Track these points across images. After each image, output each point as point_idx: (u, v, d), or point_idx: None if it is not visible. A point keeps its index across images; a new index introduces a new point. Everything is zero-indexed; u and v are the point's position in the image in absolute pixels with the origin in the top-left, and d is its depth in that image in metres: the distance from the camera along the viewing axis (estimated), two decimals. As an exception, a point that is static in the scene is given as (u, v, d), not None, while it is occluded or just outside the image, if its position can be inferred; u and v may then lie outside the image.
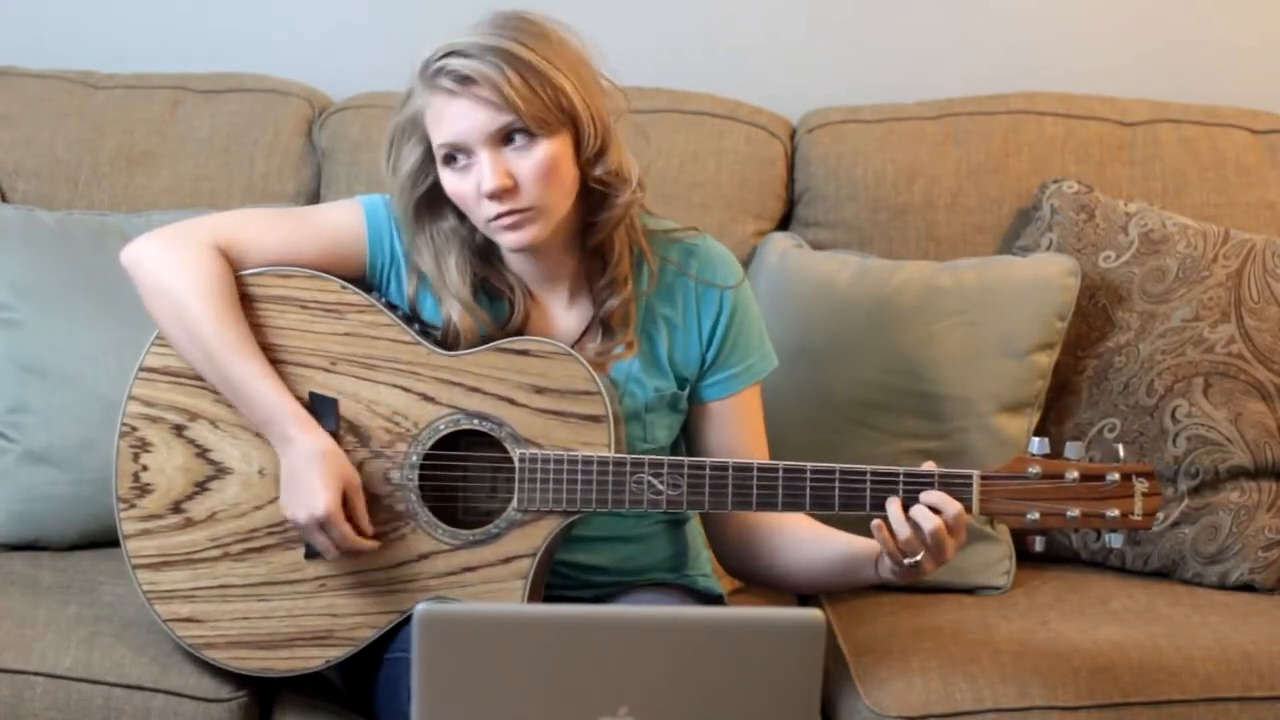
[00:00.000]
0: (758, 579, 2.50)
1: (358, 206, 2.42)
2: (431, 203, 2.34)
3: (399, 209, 2.36)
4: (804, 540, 2.42)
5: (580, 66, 2.29)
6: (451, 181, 2.29)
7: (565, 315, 2.41)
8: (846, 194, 2.99)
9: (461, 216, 2.34)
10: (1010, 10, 3.23)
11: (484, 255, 2.38)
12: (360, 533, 2.30)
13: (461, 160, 2.27)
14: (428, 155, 2.31)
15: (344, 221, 2.41)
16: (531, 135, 2.25)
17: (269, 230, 2.39)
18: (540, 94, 2.24)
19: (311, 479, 2.27)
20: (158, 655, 2.40)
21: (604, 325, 2.38)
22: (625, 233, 2.37)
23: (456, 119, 2.25)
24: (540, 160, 2.26)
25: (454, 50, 2.25)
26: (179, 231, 2.38)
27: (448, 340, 2.35)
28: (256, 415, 2.31)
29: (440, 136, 2.27)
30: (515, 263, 2.39)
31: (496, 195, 2.25)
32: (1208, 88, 3.16)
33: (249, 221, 2.41)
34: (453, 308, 2.34)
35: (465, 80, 2.24)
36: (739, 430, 2.44)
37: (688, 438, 2.47)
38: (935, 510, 2.25)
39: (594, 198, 2.34)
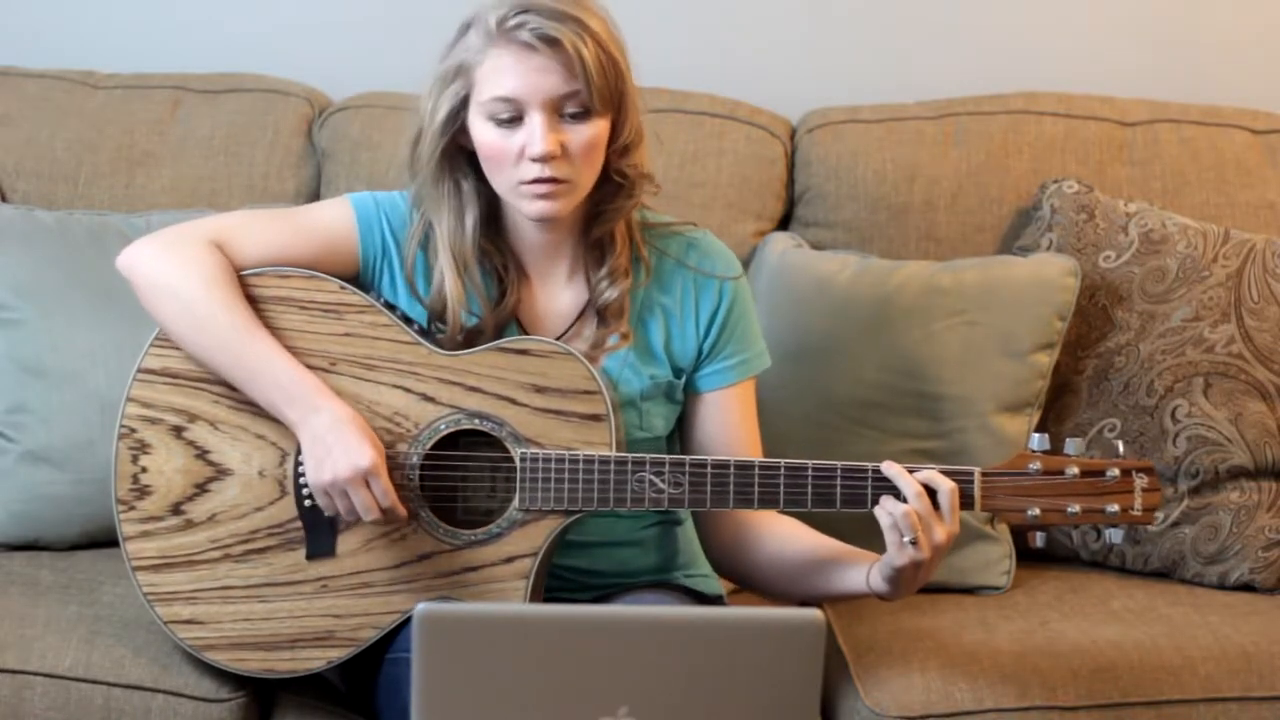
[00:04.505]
0: (748, 579, 2.49)
1: (347, 203, 2.42)
2: (452, 158, 2.34)
3: (425, 153, 2.34)
4: (797, 538, 2.42)
5: (626, 58, 2.31)
6: (491, 136, 2.29)
7: (559, 298, 2.41)
8: (846, 194, 2.99)
9: (479, 181, 2.35)
10: (1010, 10, 3.23)
11: (486, 228, 2.38)
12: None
13: (510, 117, 2.27)
14: (461, 107, 2.31)
15: (335, 219, 2.41)
16: (588, 111, 2.27)
17: (261, 230, 2.39)
18: (608, 72, 2.27)
19: (349, 438, 2.26)
20: (158, 655, 2.40)
21: (599, 315, 2.38)
22: (626, 227, 2.38)
23: (524, 75, 2.26)
24: (589, 137, 2.28)
25: (533, 8, 2.26)
26: (172, 233, 2.38)
27: (435, 311, 2.35)
28: (277, 393, 2.30)
29: (497, 90, 2.27)
30: (517, 239, 2.39)
31: (544, 159, 2.26)
32: (1208, 88, 3.16)
33: (241, 222, 2.41)
34: (448, 270, 2.34)
35: (549, 40, 2.25)
36: (733, 422, 2.44)
37: (682, 429, 2.47)
38: (928, 487, 2.25)
39: (609, 188, 2.35)
